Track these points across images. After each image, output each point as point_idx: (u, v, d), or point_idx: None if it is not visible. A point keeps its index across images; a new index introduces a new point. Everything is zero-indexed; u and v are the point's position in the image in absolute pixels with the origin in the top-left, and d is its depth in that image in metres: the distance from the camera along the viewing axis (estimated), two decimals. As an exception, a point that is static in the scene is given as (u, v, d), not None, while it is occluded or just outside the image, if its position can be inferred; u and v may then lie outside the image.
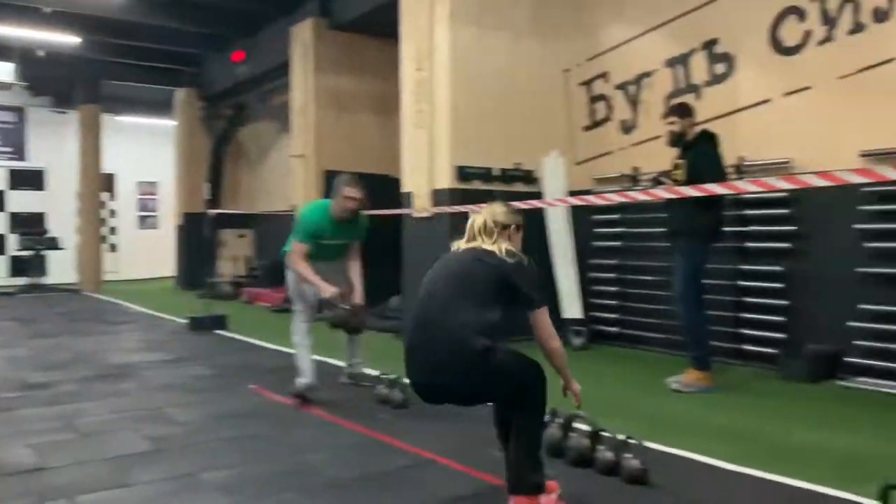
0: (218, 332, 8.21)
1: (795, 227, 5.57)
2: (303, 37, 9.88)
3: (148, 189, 17.06)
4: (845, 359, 5.22)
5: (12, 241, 14.66)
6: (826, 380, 5.21)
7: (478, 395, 2.89)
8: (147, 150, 16.38)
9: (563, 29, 7.43)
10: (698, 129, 5.19)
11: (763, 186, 4.31)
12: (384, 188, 9.81)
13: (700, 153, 4.94)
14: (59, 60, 12.61)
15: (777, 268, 5.68)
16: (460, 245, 2.95)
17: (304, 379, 4.84)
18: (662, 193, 4.49)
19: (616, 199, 4.94)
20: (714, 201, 4.83)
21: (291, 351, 5.01)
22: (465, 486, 3.20)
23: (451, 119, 6.94)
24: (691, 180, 4.78)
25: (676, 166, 5.04)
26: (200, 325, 8.36)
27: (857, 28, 5.27)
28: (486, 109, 7.07)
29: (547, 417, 3.67)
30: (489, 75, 7.10)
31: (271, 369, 6.04)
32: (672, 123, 5.14)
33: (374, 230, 8.88)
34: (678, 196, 4.45)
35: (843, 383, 5.13)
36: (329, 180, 9.76)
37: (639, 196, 4.75)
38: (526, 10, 7.32)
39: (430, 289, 2.86)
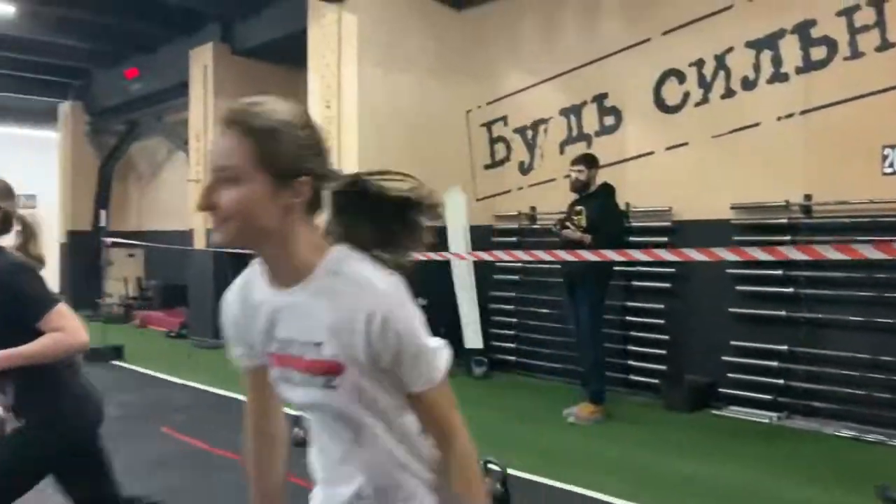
0: (115, 363, 8.05)
1: (674, 269, 6.16)
2: (203, 60, 9.79)
3: (27, 203, 16.15)
4: (719, 389, 5.84)
5: None
6: (702, 408, 5.81)
7: None
8: (25, 161, 15.51)
9: (465, 73, 7.81)
10: (600, 180, 5.68)
11: (651, 256, 4.81)
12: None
13: (602, 204, 5.42)
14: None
15: (659, 305, 6.27)
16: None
17: None
18: (563, 255, 4.90)
19: (523, 256, 5.30)
20: (610, 247, 5.30)
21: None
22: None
23: (358, 156, 7.16)
24: (592, 228, 5.27)
25: (577, 212, 5.49)
26: (97, 355, 8.14)
27: (729, 94, 5.93)
28: (392, 146, 7.33)
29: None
30: (395, 114, 7.38)
31: (179, 408, 6.06)
32: (580, 172, 5.58)
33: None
34: (575, 251, 4.87)
35: (716, 412, 5.75)
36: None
37: (542, 255, 5.11)
38: (430, 54, 7.66)
39: None
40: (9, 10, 8.71)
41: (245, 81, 9.82)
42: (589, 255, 4.54)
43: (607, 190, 5.61)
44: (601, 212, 5.43)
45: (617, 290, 6.35)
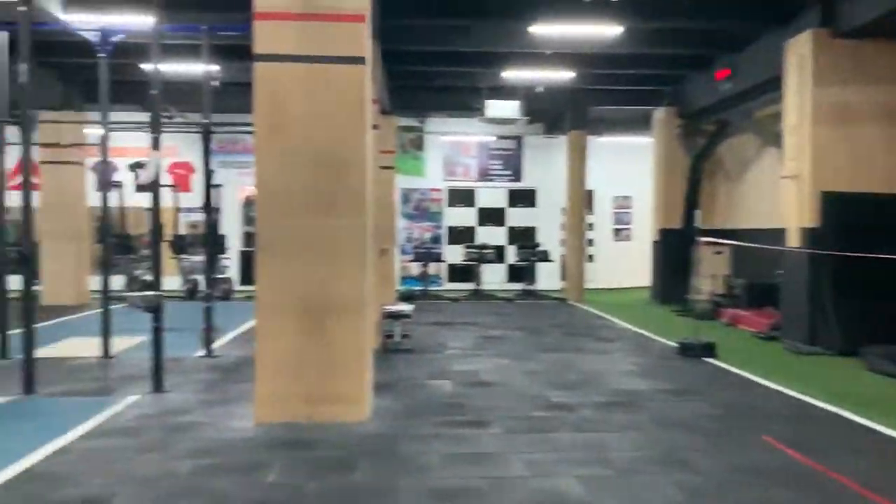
0: (707, 360, 8.23)
1: None
2: (799, 50, 9.23)
3: (622, 203, 18.01)
4: None
5: (510, 252, 16.91)
6: None
7: None
8: (621, 166, 17.27)
9: None
10: None
11: None
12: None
13: None
14: (554, 94, 14.11)
15: None
16: None
17: None
18: None
19: None
20: None
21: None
22: None
23: None
24: None
25: None
26: (689, 351, 8.48)
27: None
28: None
29: None
30: None
31: (781, 416, 5.83)
32: None
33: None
34: None
35: None
36: (827, 202, 9.02)
37: None
38: None
39: None
40: (618, 31, 9.66)
41: (851, 66, 8.98)
42: None
43: None
44: None
45: None
